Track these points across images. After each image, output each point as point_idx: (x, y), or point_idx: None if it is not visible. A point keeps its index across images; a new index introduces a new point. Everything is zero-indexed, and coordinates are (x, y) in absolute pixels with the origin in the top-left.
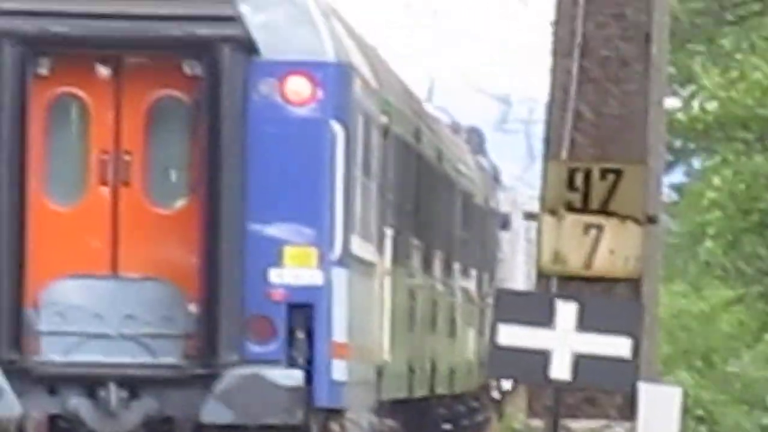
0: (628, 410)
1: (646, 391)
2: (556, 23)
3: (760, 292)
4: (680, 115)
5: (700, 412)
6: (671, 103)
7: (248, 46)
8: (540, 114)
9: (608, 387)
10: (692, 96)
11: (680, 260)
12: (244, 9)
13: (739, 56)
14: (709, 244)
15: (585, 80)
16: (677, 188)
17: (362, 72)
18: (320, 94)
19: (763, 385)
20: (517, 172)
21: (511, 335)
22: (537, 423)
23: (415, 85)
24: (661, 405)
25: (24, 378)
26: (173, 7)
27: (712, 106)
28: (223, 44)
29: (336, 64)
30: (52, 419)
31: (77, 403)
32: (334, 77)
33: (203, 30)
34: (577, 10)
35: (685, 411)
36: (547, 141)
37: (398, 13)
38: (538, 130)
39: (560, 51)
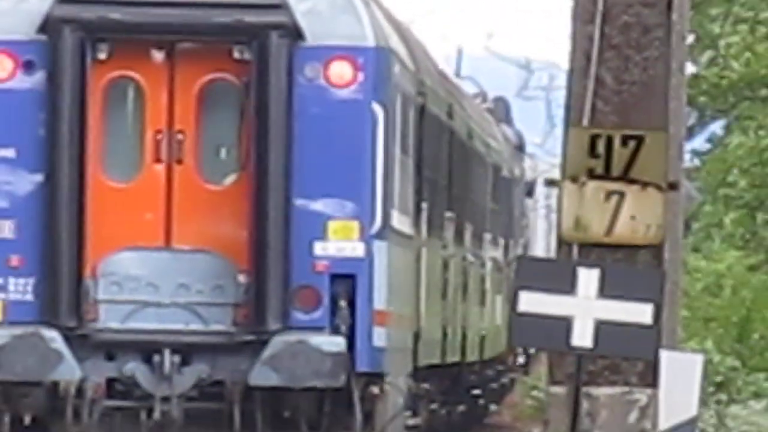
0: (650, 377)
1: (667, 358)
2: None
3: None
4: (705, 73)
5: (719, 378)
6: (691, 69)
7: (294, 32)
8: (561, 81)
9: (630, 354)
10: (712, 60)
11: (703, 231)
12: None
13: (765, 15)
14: (732, 215)
15: (606, 47)
16: (699, 154)
17: (400, 55)
18: (361, 77)
19: None
20: (537, 139)
21: (533, 302)
22: (558, 390)
23: (439, 52)
24: (683, 372)
25: (83, 344)
26: None
27: (736, 65)
28: (270, 30)
29: (376, 49)
30: (110, 383)
31: (133, 368)
32: (374, 61)
33: (252, 17)
34: None
35: (706, 377)
36: (568, 108)
37: None
38: (559, 97)
39: (581, 17)
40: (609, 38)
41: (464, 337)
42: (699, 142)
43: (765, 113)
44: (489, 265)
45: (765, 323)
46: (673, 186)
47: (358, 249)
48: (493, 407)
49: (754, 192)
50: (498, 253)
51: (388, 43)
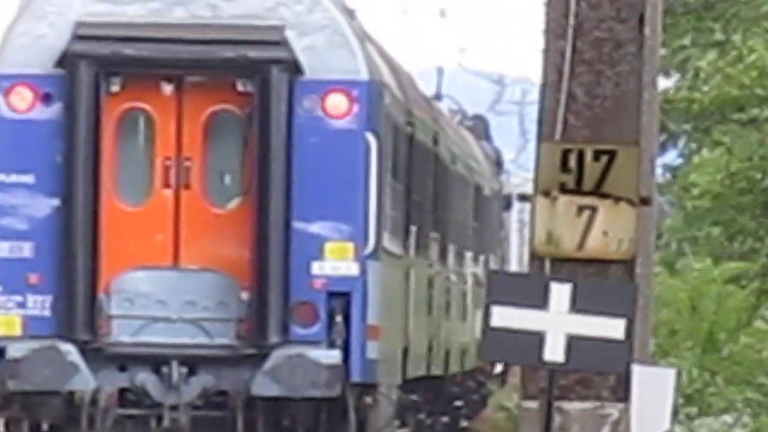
0: (622, 391)
1: (639, 372)
2: (549, 4)
3: (757, 271)
4: (675, 96)
5: (690, 392)
6: (664, 84)
7: (294, 67)
8: (534, 96)
9: (602, 368)
10: (685, 78)
11: (676, 244)
12: (290, 34)
13: (736, 37)
14: (707, 229)
15: (578, 62)
16: (671, 169)
17: (391, 87)
18: (356, 108)
19: (754, 363)
20: (510, 154)
21: (505, 317)
22: (531, 404)
23: (414, 67)
24: (655, 386)
25: (97, 356)
26: (228, 33)
27: (706, 89)
28: (271, 65)
29: (369, 82)
30: (122, 392)
31: (144, 378)
32: (367, 94)
33: (254, 53)
34: None
35: (678, 391)
36: (540, 122)
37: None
38: (532, 112)
39: (554, 32)
40: (581, 53)
41: (447, 350)
42: (671, 157)
43: (737, 135)
44: (470, 281)
45: (732, 337)
46: (645, 201)
47: (352, 268)
48: (471, 420)
49: (728, 214)
50: (478, 269)
51: (380, 76)
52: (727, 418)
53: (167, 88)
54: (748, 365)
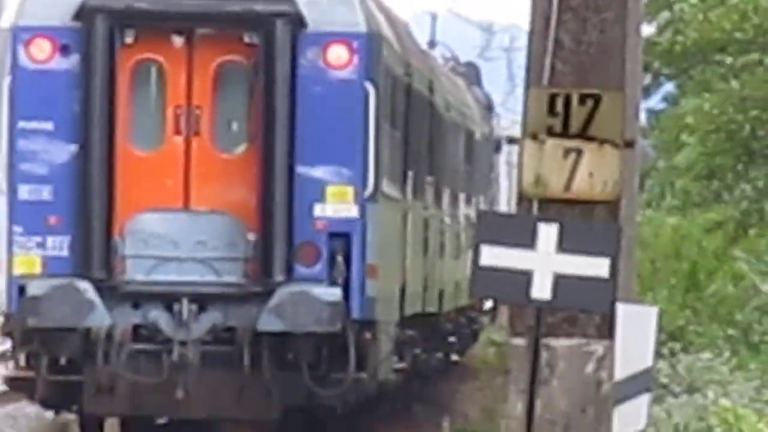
0: (606, 329)
1: (623, 310)
2: None
3: (733, 216)
4: (659, 39)
5: (672, 329)
6: (647, 30)
7: (297, 20)
8: (521, 42)
9: (587, 307)
10: (668, 23)
11: (658, 188)
12: None
13: None
14: (685, 179)
15: (565, 9)
16: (654, 113)
17: (389, 39)
18: (356, 59)
19: (734, 302)
20: (499, 98)
21: (493, 256)
22: (519, 341)
23: (407, 12)
24: (638, 324)
25: (112, 294)
26: None
27: (688, 31)
28: (276, 18)
29: (368, 35)
30: (135, 329)
31: (156, 315)
32: (366, 45)
33: (260, 7)
34: None
35: (661, 329)
36: (528, 68)
37: None
38: (520, 57)
39: None
40: (567, 1)
41: (442, 288)
42: (654, 102)
43: (718, 76)
44: (463, 222)
45: (713, 278)
46: (629, 144)
47: (352, 210)
48: (463, 355)
49: (706, 160)
50: (471, 210)
51: (378, 29)
52: (708, 354)
53: (178, 40)
54: (728, 304)
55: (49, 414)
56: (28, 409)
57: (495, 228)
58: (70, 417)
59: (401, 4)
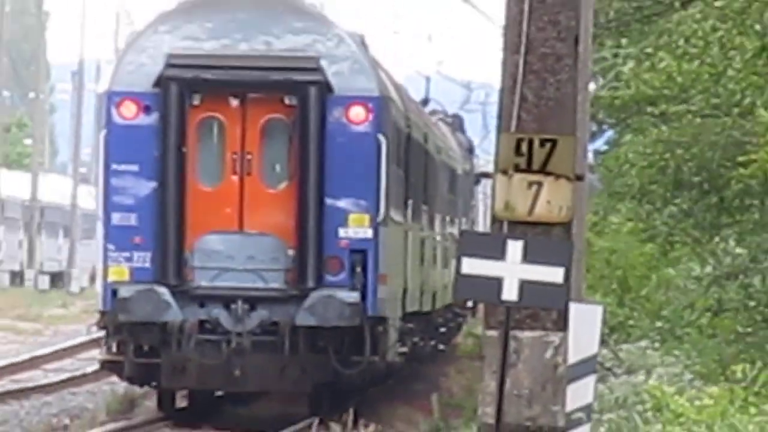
0: (562, 323)
1: (574, 308)
2: (507, 27)
3: (661, 231)
4: (602, 95)
5: (614, 324)
6: (593, 87)
7: (326, 87)
8: (494, 97)
9: (546, 305)
10: (610, 81)
11: (602, 213)
12: (323, 63)
13: (649, 50)
14: (627, 204)
15: (528, 71)
16: (599, 153)
17: (394, 100)
18: (371, 117)
19: (661, 301)
20: (476, 141)
21: (472, 266)
22: (492, 333)
23: (401, 74)
24: (586, 319)
25: (183, 296)
26: (278, 62)
27: (626, 88)
28: (310, 86)
29: (380, 98)
30: (201, 323)
31: (217, 313)
32: (379, 106)
33: (297, 77)
34: (523, 17)
35: (605, 323)
36: (500, 117)
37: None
38: (493, 110)
39: (510, 49)
40: (531, 65)
41: (434, 291)
42: (599, 144)
43: (650, 123)
44: (449, 239)
45: (641, 283)
46: (579, 177)
47: (368, 233)
48: (448, 344)
49: (640, 189)
50: (455, 230)
51: (388, 93)
52: (642, 344)
53: (234, 102)
54: (658, 303)
55: (120, 391)
56: (105, 386)
57: (473, 244)
58: (138, 391)
59: (395, 66)
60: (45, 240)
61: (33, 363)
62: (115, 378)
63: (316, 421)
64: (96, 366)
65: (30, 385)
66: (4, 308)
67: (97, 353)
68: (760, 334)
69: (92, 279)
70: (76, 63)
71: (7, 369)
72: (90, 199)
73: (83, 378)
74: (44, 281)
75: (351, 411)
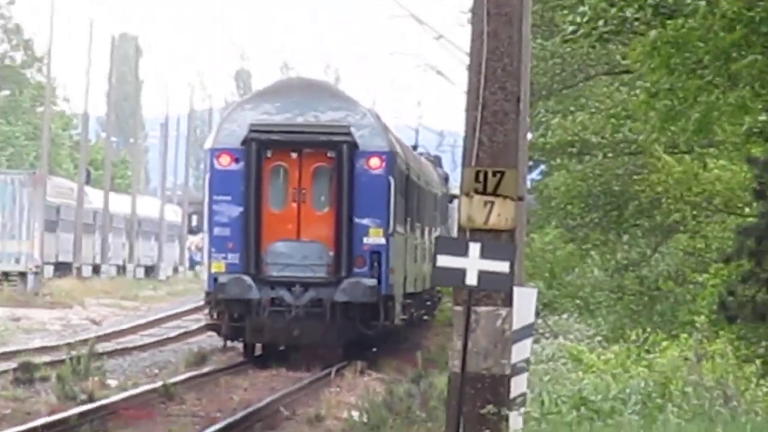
0: (509, 301)
1: (517, 291)
2: (468, 92)
3: (581, 238)
4: (536, 141)
5: (545, 302)
6: (530, 135)
7: (353, 144)
8: (460, 141)
9: (498, 289)
10: (542, 130)
11: (537, 223)
12: (352, 129)
13: (571, 108)
14: (554, 217)
15: (484, 123)
16: (535, 181)
17: (399, 152)
18: (384, 165)
19: (578, 285)
20: (449, 173)
21: (445, 261)
22: (458, 308)
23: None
24: (526, 298)
25: (260, 282)
26: (323, 129)
27: (553, 135)
28: (343, 144)
29: (390, 152)
30: (272, 300)
31: (283, 293)
32: (389, 158)
33: (335, 138)
34: (480, 85)
35: (539, 301)
36: (464, 156)
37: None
38: (459, 151)
39: (470, 107)
40: (485, 118)
41: (424, 278)
42: (534, 174)
43: (573, 161)
44: (432, 242)
45: (564, 272)
46: (520, 198)
47: (382, 240)
48: (429, 315)
49: (565, 205)
50: (435, 236)
51: (395, 148)
52: (565, 316)
53: (293, 155)
54: (576, 286)
55: (195, 350)
56: (184, 346)
57: (446, 245)
58: (207, 349)
59: (393, 119)
60: (141, 242)
61: (132, 330)
62: (190, 339)
63: (335, 368)
64: (177, 331)
65: (130, 345)
66: (111, 291)
67: (179, 322)
68: (648, 309)
69: (175, 270)
70: (163, 117)
71: (115, 334)
72: (173, 213)
73: (167, 340)
74: (140, 272)
75: (358, 363)
